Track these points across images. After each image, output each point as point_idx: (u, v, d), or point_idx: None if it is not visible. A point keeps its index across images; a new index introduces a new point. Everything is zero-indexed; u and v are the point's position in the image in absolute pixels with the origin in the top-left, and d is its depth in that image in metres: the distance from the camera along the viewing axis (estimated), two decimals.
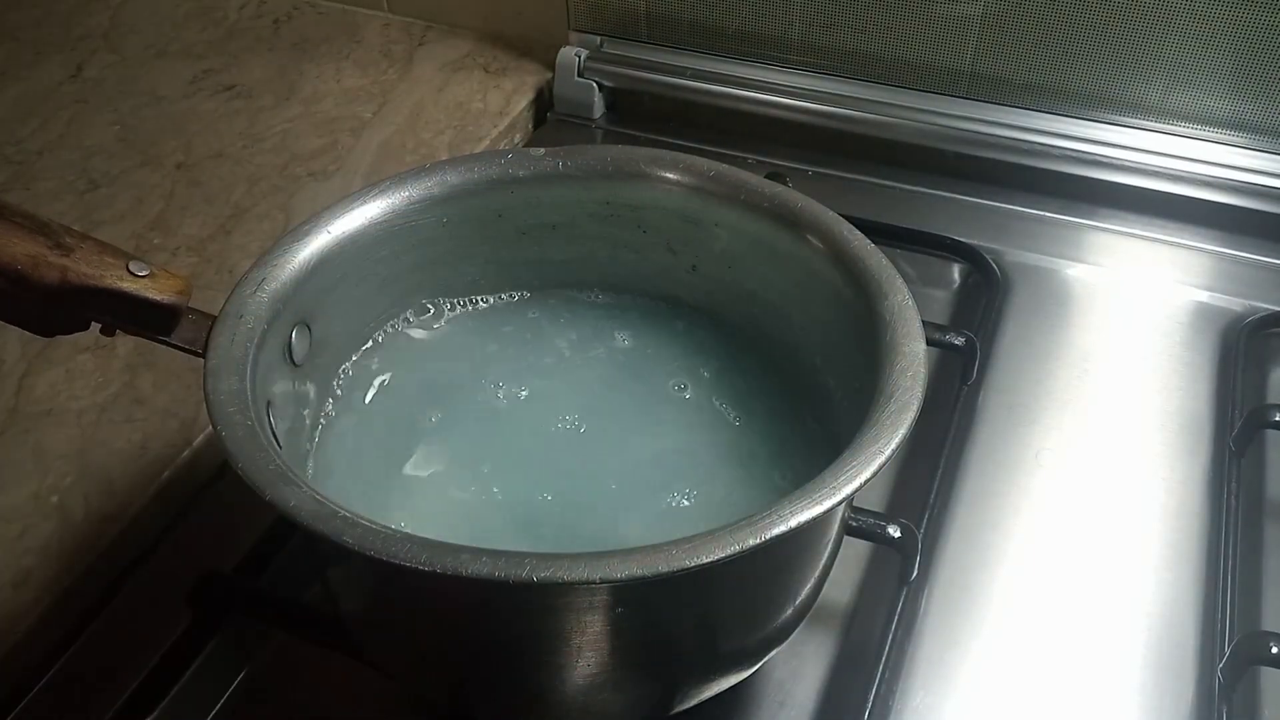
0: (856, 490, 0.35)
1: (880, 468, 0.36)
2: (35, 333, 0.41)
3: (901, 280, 0.44)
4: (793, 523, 0.34)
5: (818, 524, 0.35)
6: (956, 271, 0.71)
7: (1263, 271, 0.71)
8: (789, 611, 0.43)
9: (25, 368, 0.61)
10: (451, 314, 0.53)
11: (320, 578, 0.44)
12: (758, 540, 0.33)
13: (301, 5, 0.95)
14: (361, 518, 0.35)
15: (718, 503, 0.46)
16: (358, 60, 0.89)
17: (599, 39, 0.85)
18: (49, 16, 0.94)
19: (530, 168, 0.50)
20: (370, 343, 0.51)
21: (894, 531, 0.50)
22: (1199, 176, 0.72)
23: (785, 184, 0.50)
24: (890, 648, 0.48)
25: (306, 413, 0.47)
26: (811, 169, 0.79)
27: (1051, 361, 0.64)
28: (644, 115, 0.85)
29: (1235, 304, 0.68)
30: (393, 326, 0.51)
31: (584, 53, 0.84)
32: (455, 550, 0.35)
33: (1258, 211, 0.72)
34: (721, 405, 0.49)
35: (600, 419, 0.49)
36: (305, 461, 0.46)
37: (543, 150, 0.51)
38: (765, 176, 0.49)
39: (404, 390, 0.50)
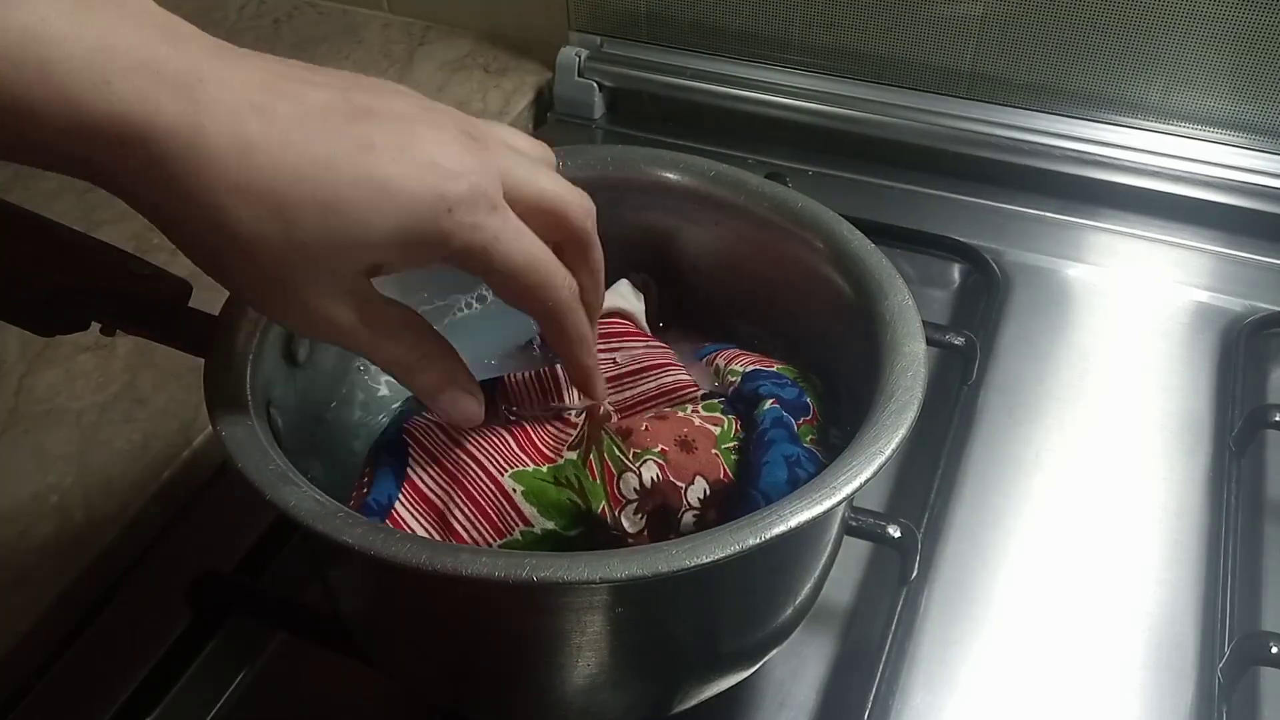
0: (856, 490, 0.35)
1: (880, 468, 0.36)
2: (35, 333, 0.41)
3: (901, 280, 0.44)
4: (792, 523, 0.34)
5: (818, 524, 0.35)
6: (956, 271, 0.71)
7: (1263, 271, 0.71)
8: (789, 611, 0.43)
9: (25, 368, 0.61)
10: (454, 313, 0.53)
11: (320, 578, 0.44)
12: (757, 540, 0.33)
13: (301, 5, 0.95)
14: (361, 518, 0.35)
15: None
16: (358, 60, 0.89)
17: (599, 39, 0.85)
18: None
19: None
20: None
21: (894, 531, 0.50)
22: (1199, 176, 0.72)
23: (785, 184, 0.50)
24: (890, 648, 0.48)
25: (312, 413, 0.47)
26: (811, 169, 0.79)
27: (1051, 361, 0.64)
28: (644, 115, 0.85)
29: (1235, 304, 0.68)
30: None
31: (584, 53, 0.84)
32: (455, 550, 0.35)
33: (1258, 211, 0.72)
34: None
35: None
36: (311, 462, 0.46)
37: None
38: (765, 176, 0.49)
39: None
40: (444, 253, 0.34)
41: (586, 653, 0.38)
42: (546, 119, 0.86)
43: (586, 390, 0.41)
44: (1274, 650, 0.47)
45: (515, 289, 0.36)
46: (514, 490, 0.39)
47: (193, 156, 0.30)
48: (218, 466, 0.58)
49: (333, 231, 0.32)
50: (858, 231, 0.46)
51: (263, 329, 0.42)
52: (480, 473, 0.40)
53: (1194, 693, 0.49)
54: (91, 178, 0.31)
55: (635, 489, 0.39)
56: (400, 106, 0.34)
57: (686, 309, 0.53)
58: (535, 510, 0.39)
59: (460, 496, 0.39)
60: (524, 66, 0.88)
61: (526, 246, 0.35)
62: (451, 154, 0.33)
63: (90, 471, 0.56)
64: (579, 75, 0.84)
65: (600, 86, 0.84)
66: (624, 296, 0.50)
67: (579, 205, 0.38)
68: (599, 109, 0.85)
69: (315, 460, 0.46)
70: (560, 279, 0.37)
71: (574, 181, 0.50)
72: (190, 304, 0.42)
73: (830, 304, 0.46)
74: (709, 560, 0.33)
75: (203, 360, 0.40)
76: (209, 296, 0.43)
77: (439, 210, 0.33)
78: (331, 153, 0.32)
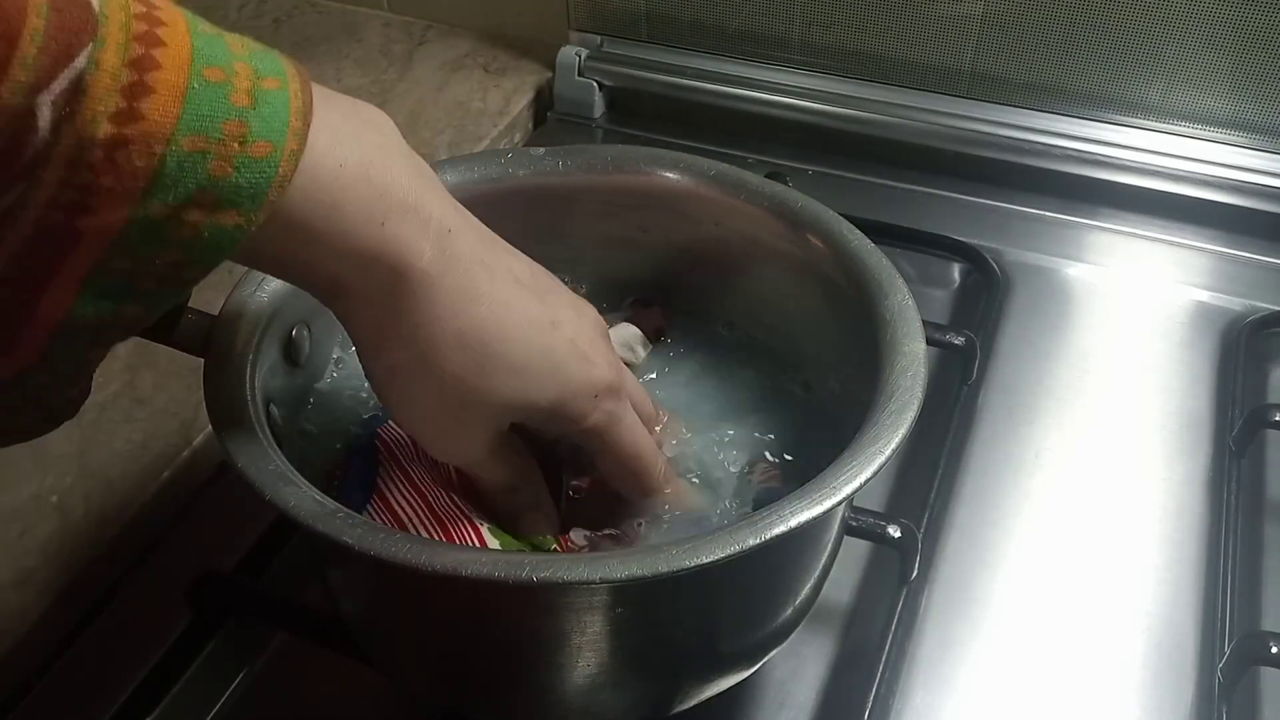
0: (856, 490, 0.35)
1: (880, 468, 0.36)
2: None
3: (901, 280, 0.44)
4: (793, 523, 0.34)
5: (818, 524, 0.35)
6: (956, 271, 0.71)
7: (1263, 271, 0.71)
8: (789, 611, 0.43)
9: None
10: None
11: (320, 577, 0.44)
12: (758, 540, 0.33)
13: (301, 5, 0.95)
14: (361, 518, 0.35)
15: None
16: (358, 60, 0.89)
17: (599, 38, 0.85)
18: None
19: (530, 167, 0.50)
20: None
21: (894, 531, 0.50)
22: (1199, 176, 0.72)
23: (785, 184, 0.50)
24: (890, 648, 0.48)
25: (315, 412, 0.47)
26: (811, 169, 0.79)
27: (1051, 361, 0.64)
28: (644, 115, 0.85)
29: (1235, 304, 0.68)
30: None
31: (584, 52, 0.84)
32: (455, 550, 0.35)
33: (1258, 211, 0.72)
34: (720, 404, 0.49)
35: None
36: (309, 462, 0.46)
37: (543, 150, 0.51)
38: (765, 176, 0.49)
39: None
40: (576, 428, 0.39)
41: (586, 653, 0.38)
42: (546, 119, 0.86)
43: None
44: (1274, 650, 0.47)
45: (621, 471, 0.42)
46: (475, 515, 0.41)
47: (432, 299, 0.34)
48: (218, 466, 0.58)
49: (513, 391, 0.37)
50: (858, 231, 0.46)
51: (263, 329, 0.42)
52: (444, 495, 0.41)
53: (1194, 693, 0.49)
54: (325, 293, 0.35)
55: (585, 535, 0.42)
56: (565, 294, 0.40)
57: (686, 310, 0.53)
58: (497, 543, 0.40)
59: (425, 514, 0.40)
60: (524, 66, 0.88)
61: (638, 436, 0.41)
62: (599, 348, 0.40)
63: (90, 471, 0.56)
64: (579, 75, 0.84)
65: (600, 86, 0.84)
66: (630, 348, 0.50)
67: (649, 411, 0.45)
68: (599, 109, 0.85)
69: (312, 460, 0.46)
70: (658, 467, 0.43)
71: (573, 181, 0.51)
72: (190, 304, 0.42)
73: (830, 304, 0.46)
74: (709, 560, 0.33)
75: (203, 360, 0.40)
76: (209, 296, 0.42)
77: (588, 394, 0.39)
78: (531, 322, 0.37)
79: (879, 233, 0.47)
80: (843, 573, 0.53)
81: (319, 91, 0.32)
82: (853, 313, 0.44)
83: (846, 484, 0.35)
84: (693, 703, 0.43)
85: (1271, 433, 0.59)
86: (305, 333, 0.45)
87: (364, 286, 0.34)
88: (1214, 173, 0.72)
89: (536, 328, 0.37)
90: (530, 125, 0.86)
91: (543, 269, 0.40)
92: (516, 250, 0.39)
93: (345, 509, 0.35)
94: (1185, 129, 0.73)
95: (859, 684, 0.47)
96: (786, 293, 0.49)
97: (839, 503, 0.35)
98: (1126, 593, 0.53)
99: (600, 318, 0.42)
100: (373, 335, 0.36)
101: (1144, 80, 0.72)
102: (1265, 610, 0.52)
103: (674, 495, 0.43)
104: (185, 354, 0.42)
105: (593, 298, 0.53)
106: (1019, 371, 0.63)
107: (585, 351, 0.39)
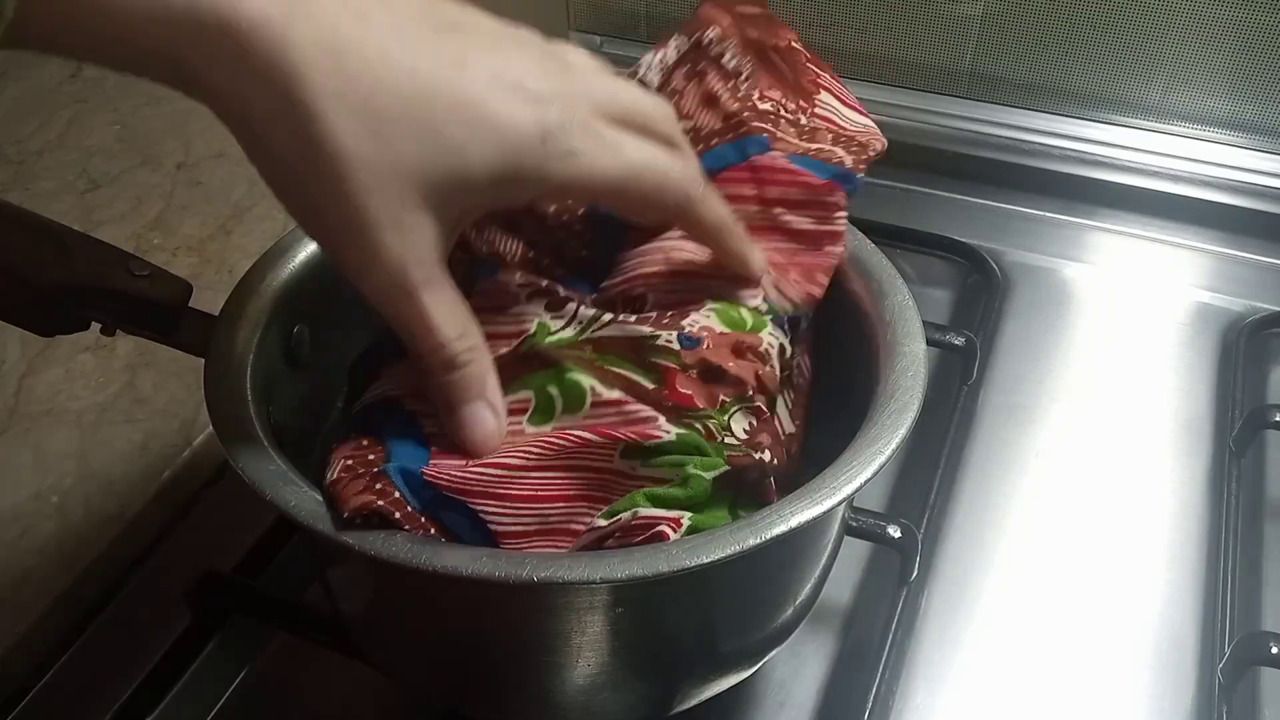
0: (856, 490, 0.35)
1: (880, 468, 0.36)
2: (35, 333, 0.41)
3: (901, 280, 0.44)
4: (793, 523, 0.34)
5: (818, 524, 0.35)
6: (956, 271, 0.71)
7: (1263, 271, 0.71)
8: (789, 611, 0.43)
9: (25, 368, 0.61)
10: None
11: (320, 577, 0.44)
12: (758, 540, 0.33)
13: None
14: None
15: None
16: None
17: (599, 39, 0.85)
18: None
19: None
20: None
21: (894, 531, 0.50)
22: (1199, 176, 0.73)
23: None
24: (890, 648, 0.48)
25: (315, 412, 0.47)
26: None
27: (1051, 361, 0.64)
28: None
29: (1235, 304, 0.68)
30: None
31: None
32: (455, 550, 0.35)
33: (1258, 211, 0.72)
34: None
35: None
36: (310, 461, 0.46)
37: None
38: None
39: None
40: (542, 190, 0.32)
41: (586, 653, 0.38)
42: None
43: (747, 270, 0.38)
44: (1274, 650, 0.47)
45: (629, 204, 0.34)
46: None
47: (287, 51, 0.27)
48: (218, 466, 0.58)
49: (430, 161, 0.29)
50: (858, 231, 0.46)
51: (263, 329, 0.42)
52: None
53: (1194, 693, 0.49)
54: (183, 83, 0.29)
55: (745, 429, 0.37)
56: (486, 24, 0.33)
57: None
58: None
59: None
60: None
61: (627, 158, 0.33)
62: (545, 79, 0.32)
63: (90, 471, 0.56)
64: None
65: None
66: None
67: (660, 110, 0.36)
68: None
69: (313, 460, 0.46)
70: (674, 174, 0.34)
71: None
72: (190, 304, 0.42)
73: (831, 304, 0.46)
74: (709, 560, 0.33)
75: (203, 360, 0.40)
76: (209, 296, 0.43)
77: (534, 140, 0.30)
78: (427, 68, 0.29)
79: (879, 233, 0.47)
80: (843, 573, 0.53)
81: None
82: (853, 313, 0.44)
83: (846, 484, 0.35)
84: (693, 703, 0.43)
85: (1271, 433, 0.59)
86: (305, 333, 0.45)
87: (203, 61, 0.27)
88: (1214, 173, 0.72)
89: (434, 74, 0.30)
90: None
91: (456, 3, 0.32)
92: None
93: None
94: (1185, 129, 0.73)
95: (859, 684, 0.47)
96: None
97: (839, 503, 0.35)
98: (1127, 593, 0.52)
99: (540, 38, 0.34)
100: (242, 126, 0.29)
101: (1144, 80, 0.72)
102: (1265, 610, 0.52)
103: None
104: (185, 354, 0.42)
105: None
106: (1019, 371, 0.63)
107: (515, 87, 0.31)
